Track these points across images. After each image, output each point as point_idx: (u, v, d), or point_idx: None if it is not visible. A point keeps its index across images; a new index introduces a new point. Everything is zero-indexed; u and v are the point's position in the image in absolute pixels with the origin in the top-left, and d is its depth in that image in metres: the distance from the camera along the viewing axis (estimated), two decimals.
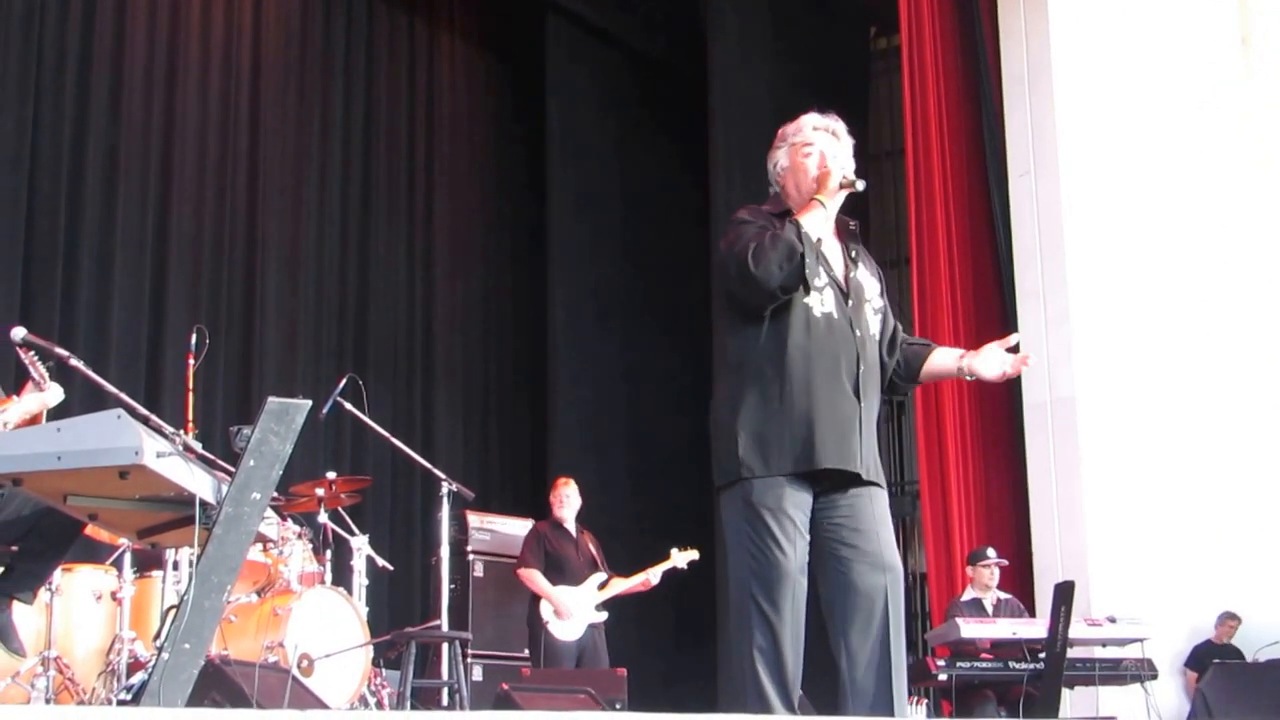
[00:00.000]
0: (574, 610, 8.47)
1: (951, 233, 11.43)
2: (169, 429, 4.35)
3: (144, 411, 4.83)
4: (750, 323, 4.25)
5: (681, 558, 8.95)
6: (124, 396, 5.23)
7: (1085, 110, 10.86)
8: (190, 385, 7.63)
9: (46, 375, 5.12)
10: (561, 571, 8.57)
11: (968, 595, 9.29)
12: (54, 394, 5.16)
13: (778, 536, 4.06)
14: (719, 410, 4.26)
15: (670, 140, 14.34)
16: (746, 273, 4.15)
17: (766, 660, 4.07)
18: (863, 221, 15.69)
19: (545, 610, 8.47)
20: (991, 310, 11.46)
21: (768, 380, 4.19)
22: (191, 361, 7.62)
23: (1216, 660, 9.67)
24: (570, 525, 8.85)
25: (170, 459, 3.85)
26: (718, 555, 11.98)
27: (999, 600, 9.22)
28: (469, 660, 9.21)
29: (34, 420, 5.16)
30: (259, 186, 11.60)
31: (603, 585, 8.66)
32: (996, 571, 9.22)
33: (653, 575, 8.85)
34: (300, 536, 7.86)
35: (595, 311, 13.81)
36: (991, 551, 9.35)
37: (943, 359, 4.54)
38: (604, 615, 8.62)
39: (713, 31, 13.20)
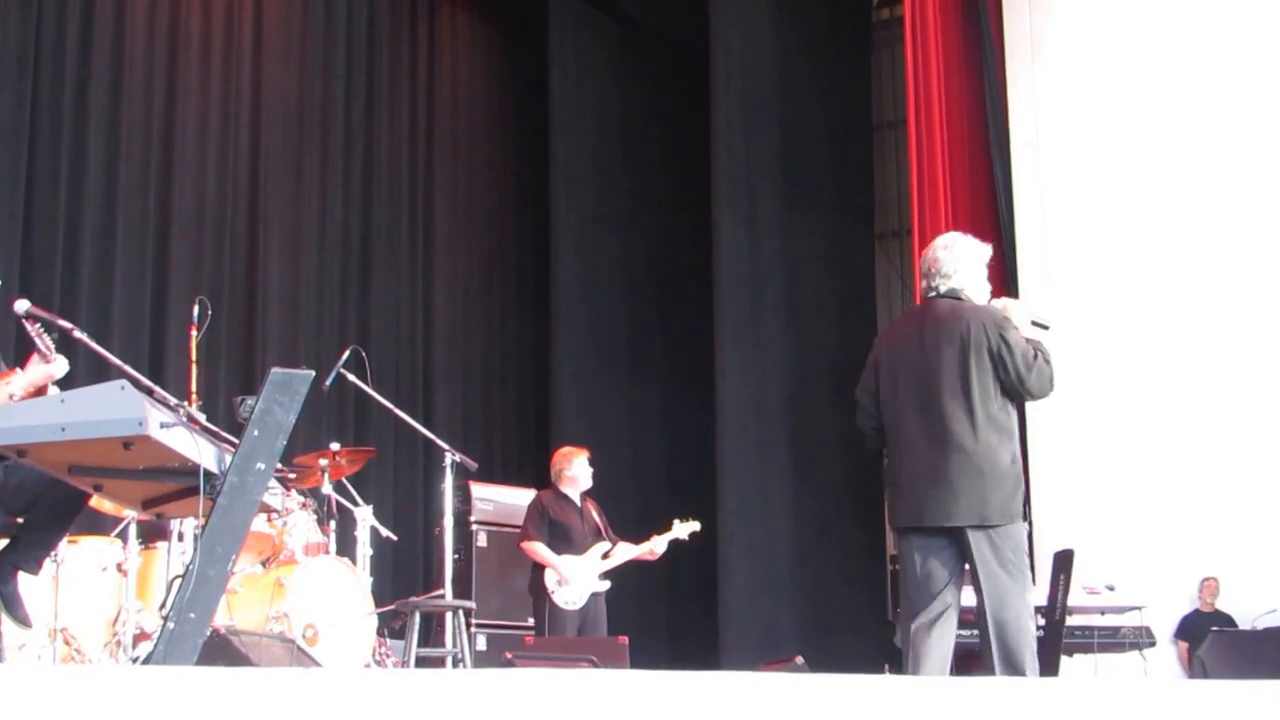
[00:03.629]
0: (578, 578, 8.50)
1: (953, 203, 11.44)
2: (173, 400, 4.37)
3: (147, 383, 4.83)
4: (1011, 403, 5.61)
5: (683, 529, 8.94)
6: (127, 368, 5.24)
7: (1088, 81, 10.86)
8: (193, 357, 7.64)
9: (52, 347, 5.12)
10: (566, 540, 8.57)
11: None
12: (59, 366, 5.16)
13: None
14: (1002, 463, 5.48)
15: (672, 110, 14.34)
16: (1040, 384, 5.60)
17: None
18: (865, 193, 15.70)
19: (549, 579, 8.49)
20: (993, 281, 11.44)
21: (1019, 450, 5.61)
22: (194, 333, 7.63)
23: (1215, 628, 9.74)
24: (574, 494, 8.86)
25: (174, 430, 3.86)
26: (720, 524, 12.06)
27: None
28: (473, 629, 9.25)
29: (39, 393, 5.17)
30: (261, 158, 11.62)
31: (606, 554, 8.68)
32: None
33: (658, 545, 8.86)
34: (304, 507, 7.91)
35: (598, 281, 13.84)
36: None
37: None
38: (606, 584, 8.63)
39: (715, 1, 13.19)
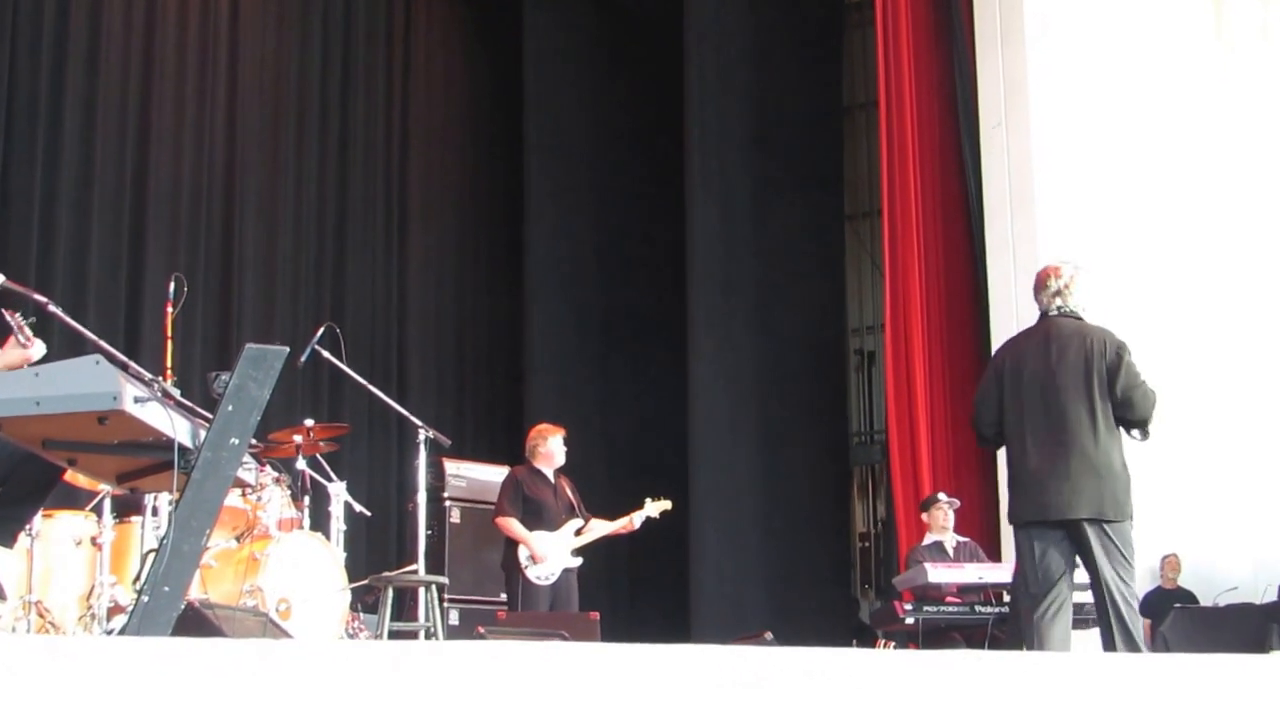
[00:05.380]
0: (551, 554, 8.56)
1: (923, 185, 11.51)
2: (147, 375, 4.40)
3: (122, 358, 4.87)
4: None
5: (654, 507, 9.02)
6: (102, 343, 5.28)
7: (1057, 64, 10.92)
8: (169, 333, 7.65)
9: (28, 331, 5.12)
10: (540, 517, 8.62)
11: (928, 540, 9.43)
12: (37, 350, 5.17)
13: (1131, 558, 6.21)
14: (1116, 465, 6.18)
15: (646, 91, 14.36)
16: (1145, 407, 6.24)
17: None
18: (836, 173, 15.64)
19: (522, 555, 8.55)
20: (961, 262, 11.56)
21: None
22: (170, 310, 7.65)
23: (1177, 605, 9.85)
24: (548, 471, 8.91)
25: (149, 404, 3.86)
26: (692, 502, 12.14)
27: (958, 543, 9.35)
28: (445, 605, 9.31)
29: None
30: (237, 136, 11.63)
31: (580, 531, 8.74)
32: (951, 513, 9.37)
33: (635, 520, 8.94)
34: (278, 482, 7.95)
35: (570, 258, 13.89)
36: (943, 495, 9.52)
37: None
38: (579, 560, 8.70)
39: None
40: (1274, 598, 10.23)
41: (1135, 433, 6.33)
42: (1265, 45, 11.54)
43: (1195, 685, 3.64)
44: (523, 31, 13.87)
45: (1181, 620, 9.37)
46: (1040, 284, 6.52)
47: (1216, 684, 3.67)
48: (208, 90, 11.45)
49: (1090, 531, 6.13)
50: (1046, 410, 6.28)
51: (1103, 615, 6.15)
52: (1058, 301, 6.45)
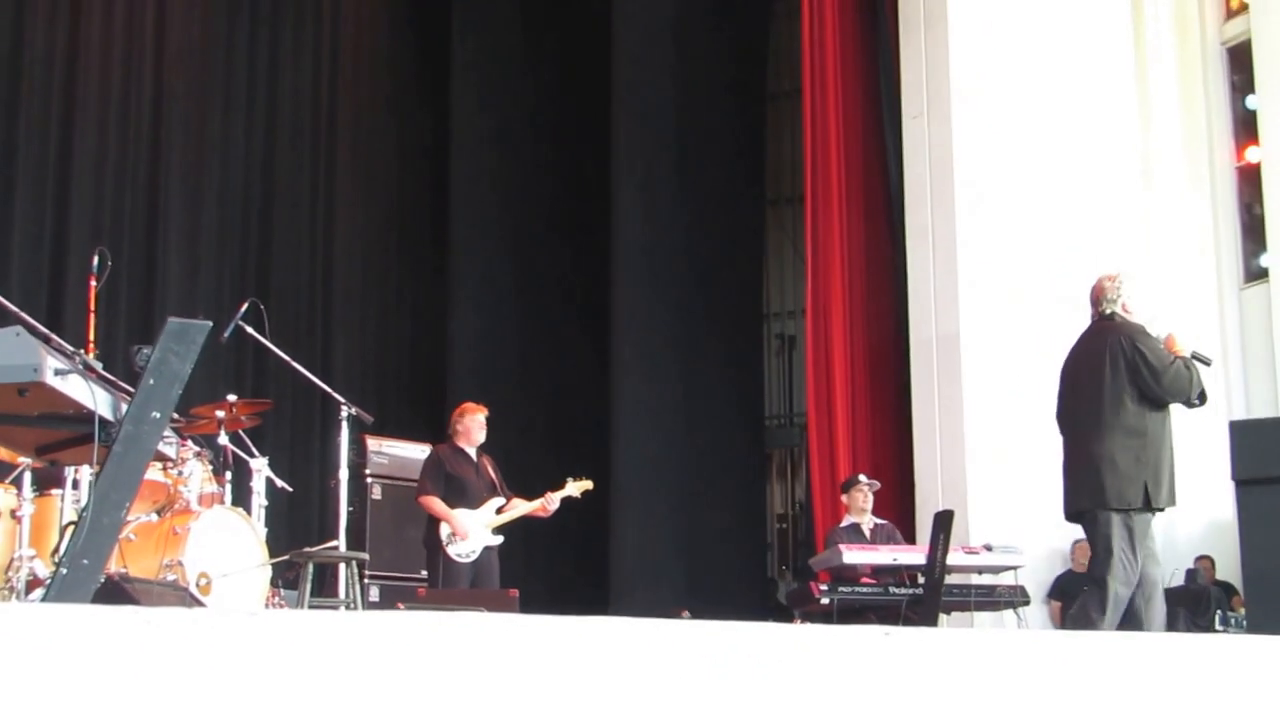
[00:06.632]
0: (472, 532, 8.60)
1: (845, 172, 11.64)
2: (69, 348, 4.40)
3: (44, 331, 4.87)
4: (1151, 407, 6.37)
5: (575, 487, 9.04)
6: (24, 316, 5.27)
7: (978, 55, 11.06)
8: (92, 307, 7.62)
9: None
10: (461, 494, 8.64)
11: (846, 521, 9.52)
12: None
13: (1137, 548, 6.36)
14: (1120, 459, 6.34)
15: (573, 76, 14.39)
16: (1176, 385, 6.36)
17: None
18: (758, 159, 15.70)
19: (444, 532, 8.58)
20: (881, 248, 11.71)
21: (1156, 449, 6.37)
22: (93, 283, 7.62)
23: (1086, 588, 10.03)
24: (470, 449, 8.95)
25: (70, 377, 3.86)
26: (612, 483, 12.23)
27: (875, 525, 9.46)
28: (366, 581, 9.35)
29: None
30: (162, 109, 11.58)
31: (501, 509, 8.78)
32: (870, 495, 9.48)
33: (551, 501, 8.96)
34: (200, 457, 7.94)
35: (495, 235, 13.93)
36: (863, 477, 9.64)
37: None
38: (499, 539, 8.74)
39: None
40: (1181, 582, 10.49)
41: (1195, 401, 6.52)
42: (1181, 40, 11.75)
43: (1099, 663, 3.76)
44: (451, 13, 13.86)
45: None
46: (1091, 298, 6.81)
47: (1118, 662, 3.79)
48: (134, 63, 11.39)
49: (1091, 520, 6.49)
50: (1074, 414, 6.67)
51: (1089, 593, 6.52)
52: (1098, 307, 6.72)
